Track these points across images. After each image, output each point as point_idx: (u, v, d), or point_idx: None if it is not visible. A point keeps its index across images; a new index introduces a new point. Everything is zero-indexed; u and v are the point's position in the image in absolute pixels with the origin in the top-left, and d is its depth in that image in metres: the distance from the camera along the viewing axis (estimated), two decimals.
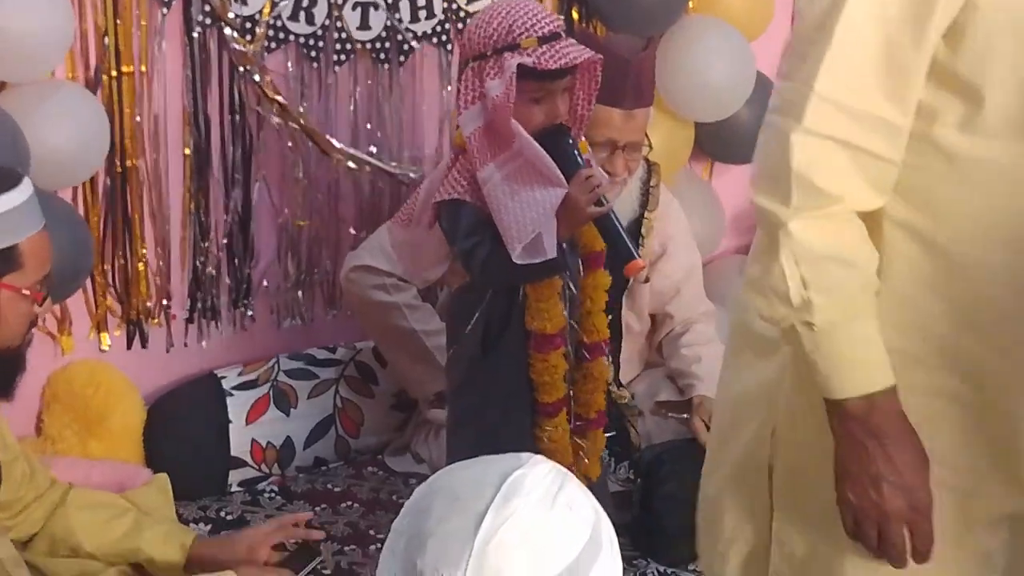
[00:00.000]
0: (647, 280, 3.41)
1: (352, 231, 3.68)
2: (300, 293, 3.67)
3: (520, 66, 2.45)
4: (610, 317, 3.25)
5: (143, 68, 3.24)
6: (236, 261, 3.54)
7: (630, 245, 2.55)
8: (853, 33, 1.59)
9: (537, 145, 2.49)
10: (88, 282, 3.30)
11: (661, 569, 3.22)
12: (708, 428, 3.18)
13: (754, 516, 1.97)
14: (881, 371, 1.67)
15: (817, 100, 1.61)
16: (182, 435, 3.41)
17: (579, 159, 2.54)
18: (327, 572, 3.00)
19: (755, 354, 1.92)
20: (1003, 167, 1.63)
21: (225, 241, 3.50)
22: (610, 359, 3.36)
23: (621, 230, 2.56)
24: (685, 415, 3.36)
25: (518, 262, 2.43)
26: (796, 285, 1.64)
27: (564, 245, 2.53)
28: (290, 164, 3.52)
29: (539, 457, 1.40)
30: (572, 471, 2.73)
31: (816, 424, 1.75)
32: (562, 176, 2.46)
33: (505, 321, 2.63)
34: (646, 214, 3.41)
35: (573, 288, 2.69)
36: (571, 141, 2.56)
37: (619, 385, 3.47)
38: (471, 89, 2.53)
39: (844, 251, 1.66)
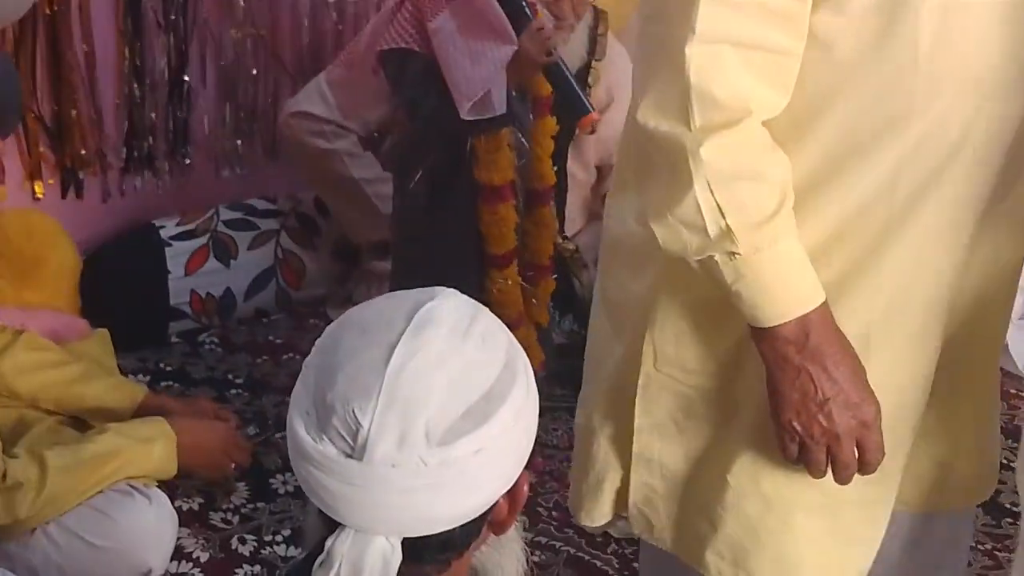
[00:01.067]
0: (593, 131, 3.36)
1: (293, 76, 3.60)
2: (239, 141, 3.60)
3: None
4: (555, 167, 3.25)
5: None
6: (173, 107, 3.45)
7: (583, 97, 2.51)
8: None
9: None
10: (20, 129, 3.20)
11: None
12: None
13: (628, 440, 1.82)
14: (813, 288, 1.53)
15: (707, 1, 1.43)
16: (120, 286, 3.35)
17: (527, 10, 2.47)
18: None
19: (628, 270, 1.78)
20: (869, 47, 1.48)
21: (161, 85, 3.41)
22: (554, 210, 3.34)
23: (572, 82, 2.51)
24: None
25: (467, 118, 2.39)
26: (712, 214, 1.48)
27: (513, 93, 2.47)
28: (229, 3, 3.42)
29: (451, 290, 1.37)
30: (523, 320, 2.76)
31: (694, 340, 1.68)
32: (512, 31, 2.41)
33: (452, 173, 2.58)
34: (593, 62, 3.34)
35: (522, 137, 2.64)
36: None
37: (564, 237, 3.43)
38: None
39: (756, 165, 1.50)
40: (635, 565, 2.68)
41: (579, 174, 3.44)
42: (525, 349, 2.72)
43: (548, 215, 2.75)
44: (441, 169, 2.59)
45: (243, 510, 2.80)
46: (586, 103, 2.51)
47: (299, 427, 1.30)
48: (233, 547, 2.68)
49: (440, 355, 1.28)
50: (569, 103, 2.54)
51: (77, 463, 2.31)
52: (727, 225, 1.48)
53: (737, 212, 1.48)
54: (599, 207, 3.56)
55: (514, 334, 2.72)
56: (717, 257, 1.51)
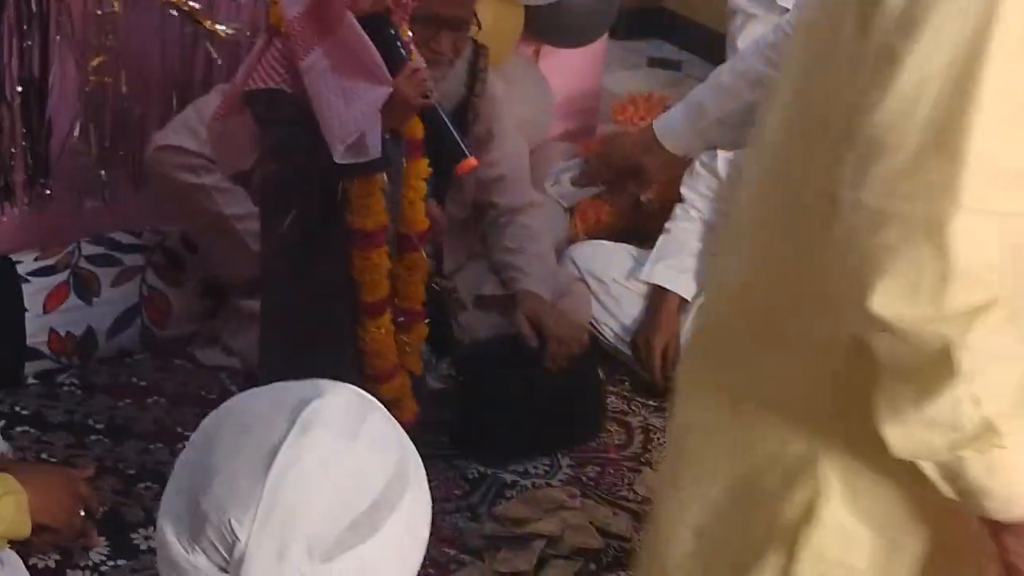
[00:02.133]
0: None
1: (163, 103, 3.44)
2: (103, 171, 3.43)
3: None
4: (438, 206, 3.16)
5: None
6: (31, 134, 3.27)
7: (460, 142, 2.42)
8: (1004, 79, 1.27)
9: (364, 35, 2.33)
10: None
11: (481, 469, 3.13)
12: (531, 323, 3.11)
13: None
14: None
15: (972, 170, 1.27)
16: None
17: (402, 50, 2.38)
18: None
19: None
20: None
21: (19, 108, 3.22)
22: (432, 249, 3.25)
23: (450, 126, 2.42)
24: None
25: (340, 162, 2.29)
26: (972, 406, 1.34)
27: (387, 136, 2.38)
28: (95, 18, 3.25)
29: (341, 385, 1.27)
30: (398, 371, 2.67)
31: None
32: (388, 73, 2.31)
33: (323, 217, 2.48)
34: (472, 98, 3.26)
35: (394, 180, 2.55)
36: (394, 31, 2.39)
37: (442, 276, 3.34)
38: None
39: (1012, 346, 1.35)
40: None
41: (457, 213, 3.35)
42: (399, 401, 2.64)
43: (420, 260, 2.66)
44: (311, 213, 2.48)
45: (103, 568, 2.66)
46: (463, 148, 2.43)
47: (169, 532, 1.19)
48: None
49: (326, 460, 1.18)
50: (446, 148, 2.45)
51: None
52: (986, 416, 1.34)
53: (996, 400, 1.35)
54: (478, 246, 3.47)
55: (389, 385, 2.65)
56: (967, 454, 1.37)
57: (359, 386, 2.53)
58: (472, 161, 2.45)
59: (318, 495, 1.15)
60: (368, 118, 2.29)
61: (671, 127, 2.40)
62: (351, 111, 2.29)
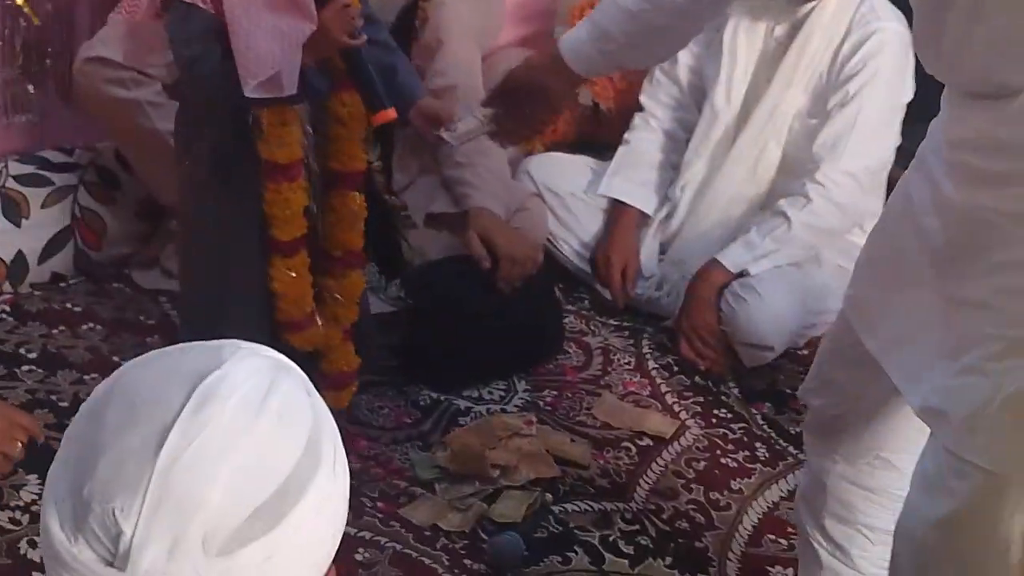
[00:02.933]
0: (422, 77, 3.11)
1: (92, 10, 3.25)
2: (30, 86, 3.25)
3: None
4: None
5: None
6: None
7: (380, 90, 2.26)
8: None
9: None
10: None
11: (433, 396, 3.00)
12: (484, 242, 2.97)
13: None
14: None
15: None
16: None
17: None
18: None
19: None
20: None
21: None
22: (381, 165, 3.10)
23: (371, 72, 2.26)
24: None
25: (250, 95, 2.13)
26: None
27: (312, 66, 2.22)
28: None
29: (249, 349, 1.13)
30: (316, 315, 2.51)
31: None
32: (314, 8, 2.15)
33: (236, 144, 2.31)
34: (420, 3, 3.08)
35: (319, 112, 2.39)
36: None
37: (391, 193, 3.19)
38: None
39: None
40: (466, 562, 2.50)
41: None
42: (328, 353, 2.45)
43: (354, 201, 2.48)
44: (223, 139, 2.32)
45: (33, 507, 2.51)
46: (382, 96, 2.27)
47: (52, 519, 1.06)
48: (22, 551, 2.39)
49: (225, 440, 1.03)
50: (366, 95, 2.29)
51: None
52: None
53: None
54: (429, 161, 3.31)
55: (301, 335, 2.47)
56: None
57: (267, 331, 2.41)
58: (391, 113, 2.29)
59: (215, 480, 1.02)
60: (287, 55, 2.15)
61: (577, 48, 2.26)
62: (269, 46, 2.14)
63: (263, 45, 2.12)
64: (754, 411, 3.09)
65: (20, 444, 2.36)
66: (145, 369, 1.11)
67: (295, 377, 1.13)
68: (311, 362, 2.51)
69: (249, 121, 2.28)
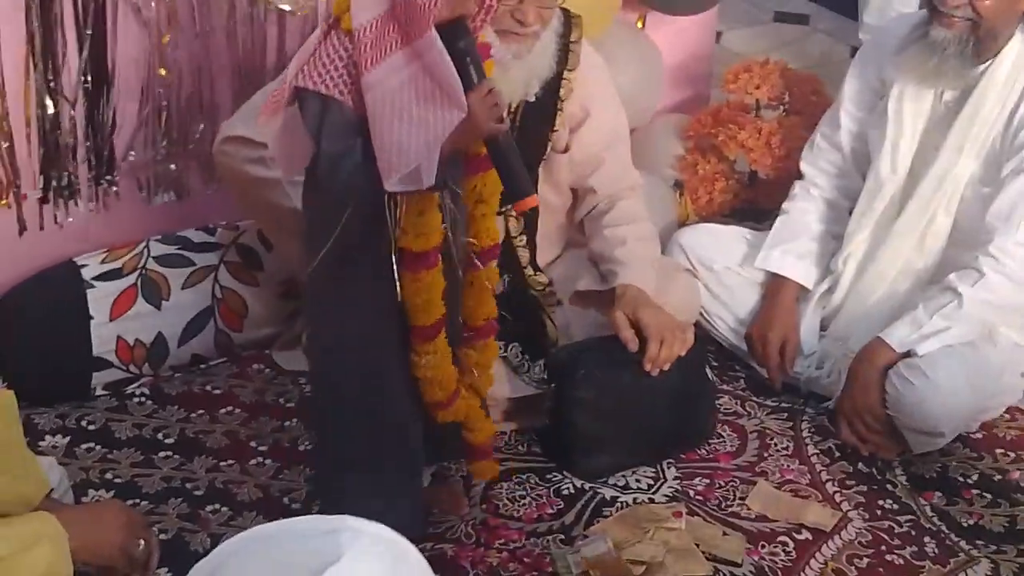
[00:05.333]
0: (566, 149, 3.01)
1: (232, 90, 3.24)
2: (172, 165, 3.22)
3: None
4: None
5: None
6: (95, 127, 3.07)
7: (525, 176, 2.23)
8: None
9: (443, 49, 2.09)
10: None
11: (577, 484, 2.86)
12: (631, 322, 2.83)
13: None
14: None
15: None
16: (36, 333, 3.00)
17: (478, 68, 2.16)
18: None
19: None
20: None
21: (82, 102, 3.03)
22: (525, 240, 2.99)
23: (516, 158, 2.20)
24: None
25: (390, 190, 2.07)
26: None
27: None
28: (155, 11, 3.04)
29: (367, 535, 1.02)
30: (458, 394, 2.44)
31: None
32: (462, 95, 2.08)
33: (372, 235, 2.25)
34: (565, 74, 2.97)
35: (455, 191, 2.32)
36: (470, 44, 2.16)
37: (536, 269, 3.07)
38: None
39: None
40: None
41: (552, 199, 3.06)
42: (469, 423, 2.43)
43: (490, 274, 2.46)
44: (358, 229, 2.24)
45: None
46: (526, 182, 2.23)
47: None
48: None
49: None
50: (509, 181, 2.24)
51: None
52: None
53: None
54: (575, 234, 3.19)
55: (449, 411, 2.42)
56: None
57: (417, 414, 2.35)
58: (533, 200, 2.25)
59: None
60: (430, 148, 2.07)
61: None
62: (413, 139, 2.07)
63: (407, 138, 2.07)
64: (923, 501, 2.88)
65: (142, 543, 2.32)
66: (256, 560, 1.01)
67: (412, 563, 1.03)
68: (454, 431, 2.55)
69: (386, 211, 2.23)
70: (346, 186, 2.17)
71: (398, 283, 2.31)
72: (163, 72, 3.11)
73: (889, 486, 2.92)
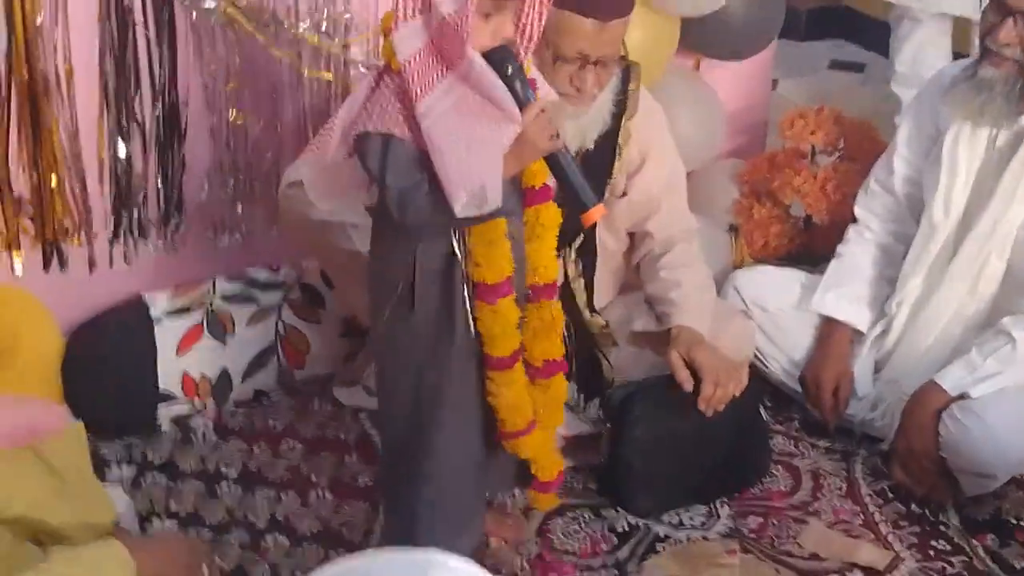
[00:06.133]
0: (624, 194, 3.06)
1: (297, 135, 3.31)
2: (239, 206, 3.31)
3: None
4: (583, 237, 2.93)
5: None
6: (166, 169, 3.16)
7: (588, 188, 2.24)
8: None
9: (489, 69, 2.15)
10: None
11: (631, 521, 2.90)
12: (686, 363, 2.86)
13: None
14: None
15: None
16: (104, 367, 3.07)
17: (526, 90, 2.19)
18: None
19: None
20: None
21: (154, 146, 3.12)
22: (583, 283, 3.03)
23: (576, 171, 2.24)
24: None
25: (461, 216, 2.12)
26: None
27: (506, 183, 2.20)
28: (224, 57, 3.13)
29: (448, 564, 1.06)
30: (535, 425, 2.47)
31: None
32: (515, 107, 2.13)
33: (443, 271, 2.31)
34: (624, 121, 3.02)
35: (519, 223, 2.36)
36: (517, 68, 2.20)
37: (592, 311, 3.11)
38: None
39: None
40: None
41: (609, 242, 3.12)
42: (540, 460, 2.45)
43: (552, 310, 2.46)
44: (428, 266, 2.30)
45: None
46: (589, 194, 2.23)
47: None
48: None
49: None
50: (573, 195, 2.26)
51: None
52: None
53: None
54: (631, 277, 3.24)
55: (526, 442, 2.46)
56: None
57: (493, 447, 2.39)
58: (601, 210, 2.28)
59: None
60: (490, 164, 2.12)
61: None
62: (473, 157, 2.11)
63: (466, 156, 2.10)
64: (976, 543, 2.88)
65: (206, 571, 2.38)
66: None
67: None
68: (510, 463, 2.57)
69: (455, 243, 2.29)
70: (416, 220, 2.21)
71: (470, 315, 2.35)
72: (232, 117, 3.20)
73: (942, 527, 2.93)
